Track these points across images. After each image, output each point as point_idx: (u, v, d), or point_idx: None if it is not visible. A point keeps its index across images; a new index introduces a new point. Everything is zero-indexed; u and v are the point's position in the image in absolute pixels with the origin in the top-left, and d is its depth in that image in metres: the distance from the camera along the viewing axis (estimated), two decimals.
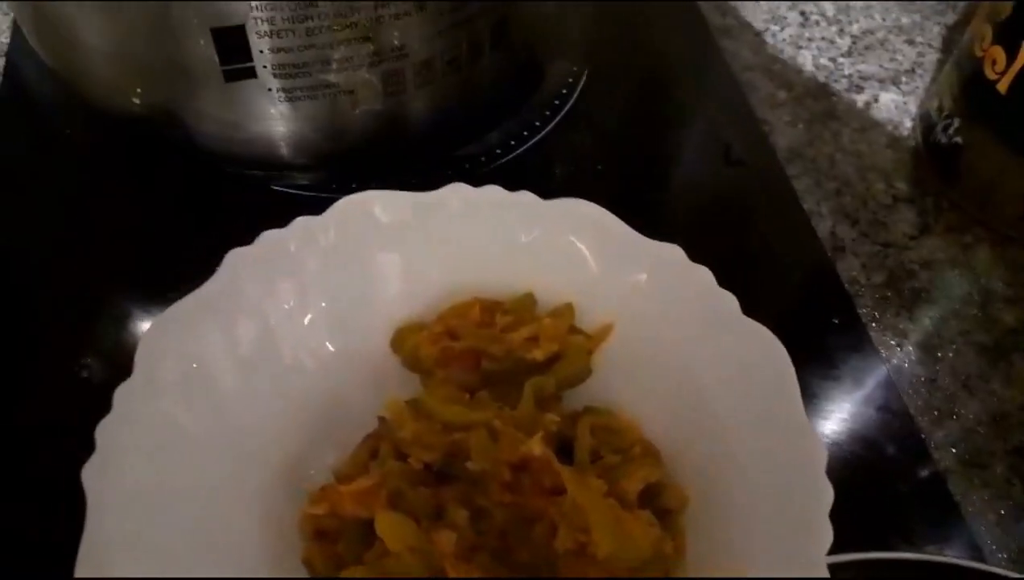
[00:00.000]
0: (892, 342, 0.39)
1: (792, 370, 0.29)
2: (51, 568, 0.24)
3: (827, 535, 0.26)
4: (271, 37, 0.32)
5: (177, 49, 0.32)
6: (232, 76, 0.33)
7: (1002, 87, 0.39)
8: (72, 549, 0.24)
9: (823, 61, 0.51)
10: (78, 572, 0.24)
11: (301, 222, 0.31)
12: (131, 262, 0.39)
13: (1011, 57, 0.39)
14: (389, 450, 0.30)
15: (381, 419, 0.31)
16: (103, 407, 0.26)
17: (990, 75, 0.40)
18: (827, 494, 0.26)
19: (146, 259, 0.38)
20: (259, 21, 0.32)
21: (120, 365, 0.28)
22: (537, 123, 0.45)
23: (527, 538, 0.28)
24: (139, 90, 0.34)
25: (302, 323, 0.31)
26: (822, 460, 0.27)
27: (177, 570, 0.26)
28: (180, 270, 0.31)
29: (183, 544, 0.26)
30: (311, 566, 0.29)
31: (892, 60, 0.51)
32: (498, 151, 0.43)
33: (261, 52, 0.32)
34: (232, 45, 0.32)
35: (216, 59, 0.32)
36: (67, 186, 0.41)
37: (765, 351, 0.29)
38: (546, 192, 0.33)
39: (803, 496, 0.27)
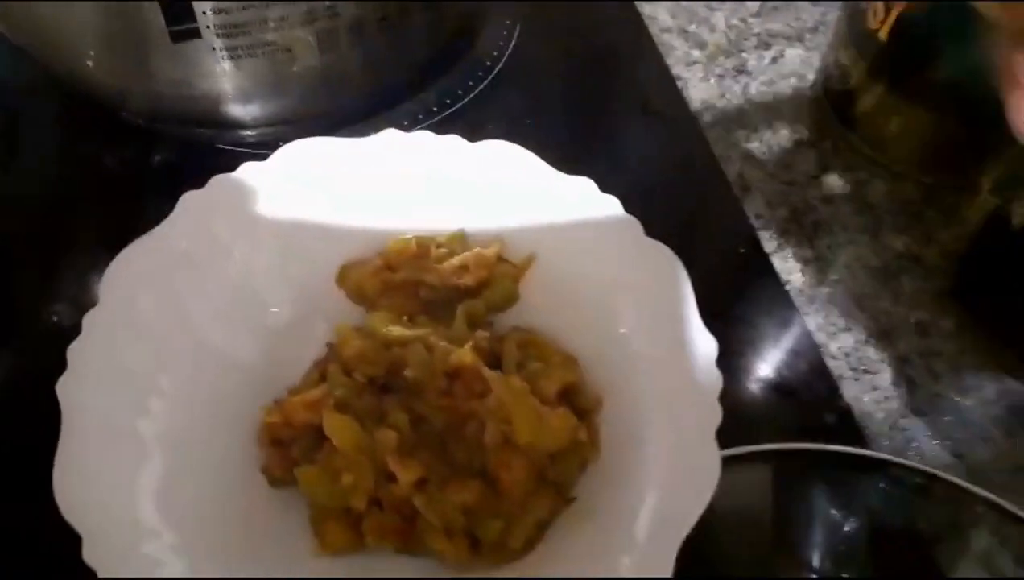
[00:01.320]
0: (795, 268, 0.43)
1: (686, 279, 0.32)
2: (34, 472, 0.27)
3: (717, 417, 0.30)
4: None
5: (127, 13, 0.35)
6: (178, 37, 0.36)
7: (882, 35, 0.44)
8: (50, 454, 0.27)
9: (734, 21, 0.55)
10: (56, 473, 0.27)
11: (248, 166, 0.35)
12: (90, 220, 0.41)
13: (887, 7, 0.43)
14: (337, 369, 0.34)
15: (329, 345, 0.35)
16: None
17: (872, 24, 0.44)
18: (717, 381, 0.30)
19: (104, 216, 0.41)
20: None
21: (87, 307, 0.31)
22: (471, 82, 0.48)
23: (461, 436, 0.31)
24: (92, 53, 0.37)
25: (254, 257, 0.35)
26: (713, 354, 0.31)
27: (147, 470, 0.29)
28: (137, 223, 0.34)
29: (155, 448, 0.29)
30: (269, 473, 0.32)
31: (797, 19, 0.55)
32: (434, 108, 0.46)
33: (204, 13, 0.35)
34: (177, 8, 0.35)
35: (163, 22, 0.35)
36: (28, 153, 0.44)
37: (663, 266, 0.33)
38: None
39: (696, 387, 0.31)
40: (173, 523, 0.29)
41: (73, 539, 0.26)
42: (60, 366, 0.29)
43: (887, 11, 0.43)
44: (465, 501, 0.30)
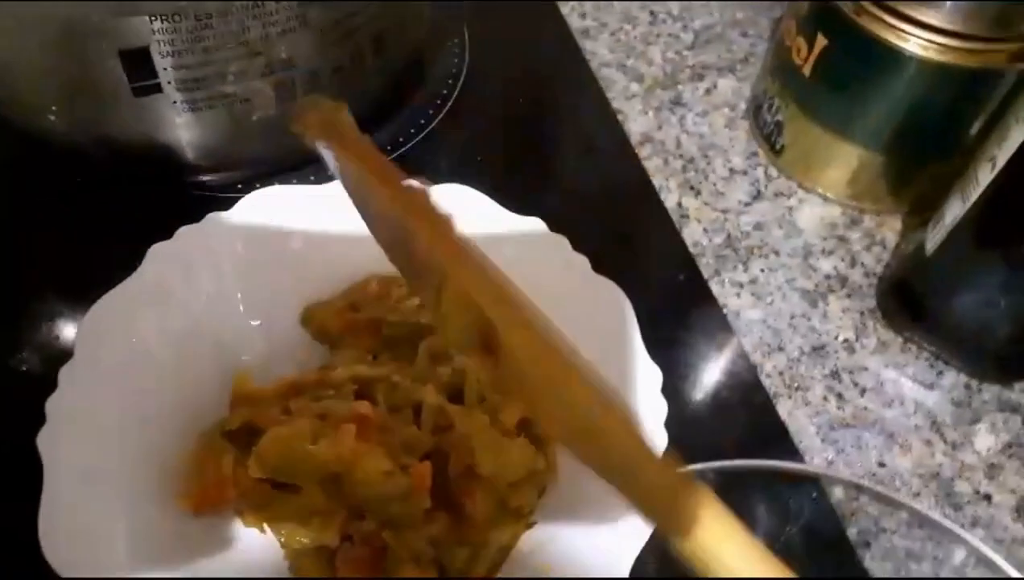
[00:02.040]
0: (731, 292, 0.46)
1: (632, 314, 0.35)
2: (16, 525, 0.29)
3: (662, 440, 0.32)
4: (173, 56, 0.36)
5: (88, 70, 0.36)
6: (140, 92, 0.37)
7: (806, 71, 0.47)
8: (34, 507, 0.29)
9: (670, 55, 0.58)
10: (41, 527, 0.28)
11: (213, 217, 0.36)
12: (58, 264, 0.42)
13: (810, 45, 0.46)
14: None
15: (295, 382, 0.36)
16: (47, 390, 0.31)
17: (797, 61, 0.47)
18: (662, 408, 0.33)
19: (71, 260, 0.42)
20: (161, 43, 0.36)
21: (56, 356, 0.32)
22: (421, 121, 0.50)
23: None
24: (54, 108, 0.38)
25: (222, 305, 0.36)
26: (657, 383, 0.33)
27: (126, 517, 0.30)
28: (104, 268, 0.35)
29: (132, 494, 0.31)
30: (241, 515, 0.33)
31: (728, 51, 0.58)
32: (388, 148, 0.48)
33: (165, 69, 0.37)
34: (138, 64, 0.36)
35: (125, 78, 0.36)
36: None
37: (610, 301, 0.36)
38: (434, 181, 0.39)
39: (644, 413, 0.33)
40: (149, 558, 0.30)
41: None
42: (31, 415, 0.30)
43: (810, 49, 0.46)
44: (433, 533, 0.32)
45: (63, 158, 0.44)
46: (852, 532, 0.39)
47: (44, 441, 0.30)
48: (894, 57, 0.43)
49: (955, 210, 0.40)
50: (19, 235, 0.43)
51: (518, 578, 0.32)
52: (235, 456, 0.32)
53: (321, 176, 0.45)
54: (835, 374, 0.44)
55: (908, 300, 0.45)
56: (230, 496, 0.32)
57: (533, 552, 0.34)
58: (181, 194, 0.44)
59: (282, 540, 0.32)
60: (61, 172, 0.44)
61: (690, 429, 0.41)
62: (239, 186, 0.43)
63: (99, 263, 0.38)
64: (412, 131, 0.49)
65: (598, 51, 0.57)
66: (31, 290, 0.41)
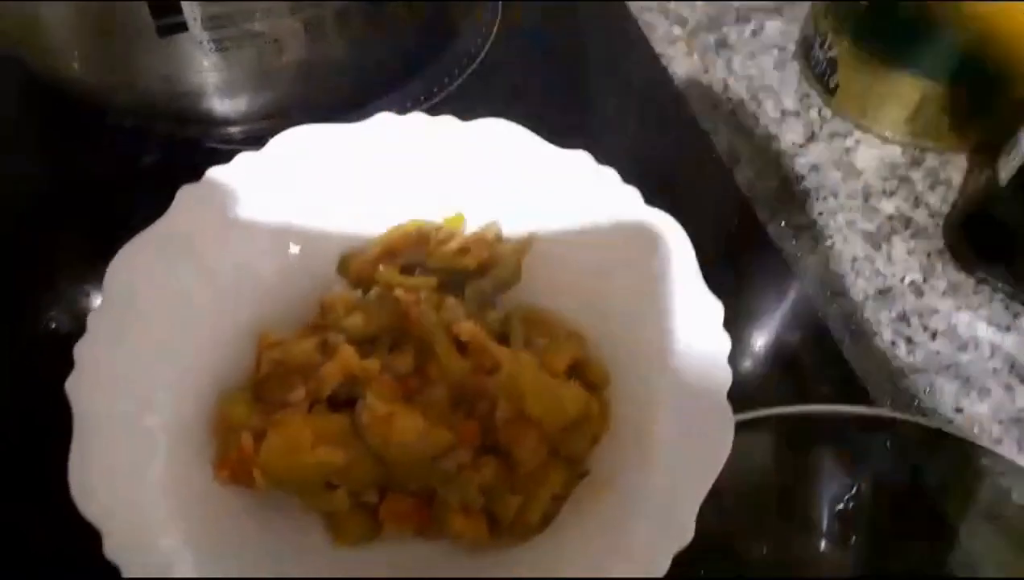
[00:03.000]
0: (788, 236, 0.44)
1: (688, 244, 0.33)
2: (41, 474, 0.27)
3: (727, 378, 0.30)
4: None
5: (111, 10, 0.35)
6: (165, 31, 0.35)
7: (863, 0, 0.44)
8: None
9: None
10: (72, 473, 0.27)
11: (244, 158, 0.34)
12: (82, 224, 0.41)
13: None
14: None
15: (323, 303, 0.34)
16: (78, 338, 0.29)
17: None
18: (725, 343, 0.30)
19: (95, 220, 0.41)
20: None
21: (85, 307, 0.30)
22: (457, 69, 0.48)
23: (472, 410, 0.31)
24: (76, 52, 0.37)
25: (254, 251, 0.34)
26: (719, 316, 0.31)
27: (156, 464, 0.29)
28: (129, 225, 0.34)
29: (163, 441, 0.29)
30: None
31: None
32: (423, 97, 0.46)
33: (191, 6, 0.35)
34: (163, 2, 0.35)
35: (149, 16, 0.35)
36: (14, 158, 0.43)
37: (665, 233, 0.33)
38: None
39: (704, 351, 0.31)
40: (182, 517, 0.28)
41: (82, 539, 0.26)
42: (62, 370, 0.29)
43: None
44: (483, 480, 0.30)
45: (88, 111, 0.43)
46: (931, 481, 0.36)
47: (73, 387, 0.28)
48: None
49: None
50: (44, 191, 0.42)
51: (530, 578, 0.30)
52: (254, 429, 0.30)
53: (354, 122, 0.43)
54: (903, 317, 0.41)
55: (980, 238, 0.42)
56: (254, 475, 0.30)
57: (587, 502, 0.31)
58: (207, 146, 0.43)
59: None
60: (86, 125, 0.43)
61: (753, 377, 0.39)
62: (267, 137, 0.41)
63: (125, 217, 0.36)
64: (446, 80, 0.47)
65: None
66: (57, 247, 0.39)
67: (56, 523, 0.26)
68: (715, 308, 0.31)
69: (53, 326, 0.37)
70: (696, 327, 0.31)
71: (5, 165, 0.43)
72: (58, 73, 0.39)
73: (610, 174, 0.35)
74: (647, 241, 0.34)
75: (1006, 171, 0.39)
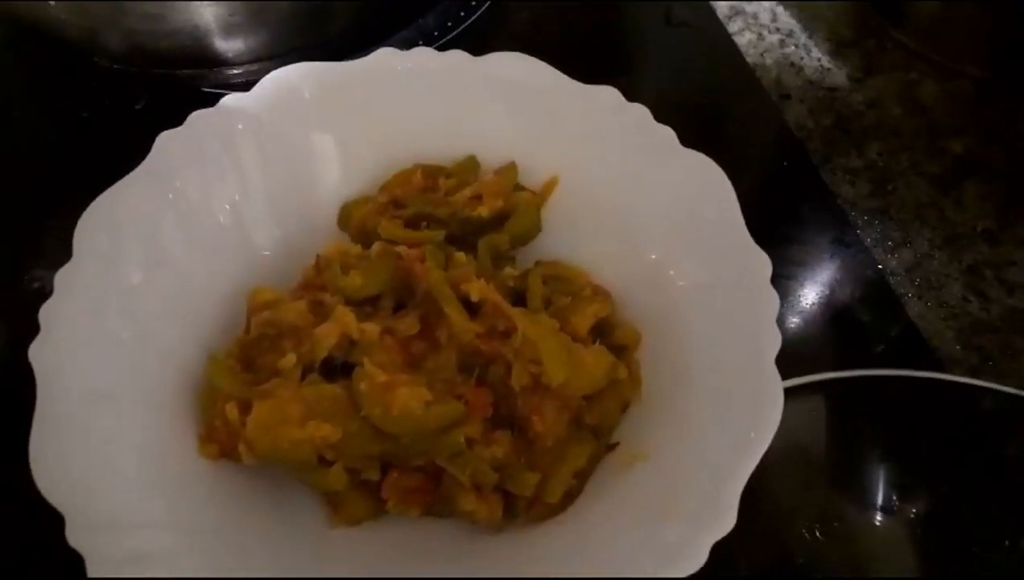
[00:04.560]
0: (844, 180, 0.39)
1: (731, 191, 0.29)
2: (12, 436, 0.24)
3: (775, 341, 0.26)
4: None
5: None
6: None
7: None
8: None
9: None
10: (33, 449, 0.24)
11: (230, 100, 0.31)
12: (68, 176, 0.38)
13: None
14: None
15: (318, 256, 0.31)
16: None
17: None
18: (771, 302, 0.26)
19: (82, 171, 0.37)
20: None
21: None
22: (473, 2, 0.44)
23: (483, 377, 0.28)
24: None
25: (242, 202, 0.31)
26: (766, 271, 0.27)
27: (129, 438, 0.26)
28: (118, 171, 0.31)
29: (137, 413, 0.26)
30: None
31: None
32: (435, 33, 0.42)
33: None
34: None
35: None
36: None
37: (704, 177, 0.29)
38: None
39: (749, 309, 0.27)
40: (161, 496, 0.25)
41: (53, 518, 0.23)
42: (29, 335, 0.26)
43: None
44: (496, 455, 0.26)
45: (72, 55, 0.39)
46: (1010, 452, 0.32)
47: (37, 354, 0.25)
48: None
49: None
50: (28, 141, 0.39)
51: (543, 578, 0.26)
52: (240, 400, 0.27)
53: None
54: (974, 269, 0.37)
55: None
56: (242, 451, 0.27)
57: (614, 479, 0.28)
58: (200, 91, 0.39)
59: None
60: (70, 71, 0.40)
61: (802, 337, 0.34)
62: None
63: (113, 168, 0.33)
64: (462, 13, 0.43)
65: None
66: (42, 201, 0.37)
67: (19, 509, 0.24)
68: (762, 262, 0.27)
69: (36, 286, 0.34)
70: (740, 283, 0.27)
71: None
72: (40, 16, 0.35)
73: (641, 112, 0.31)
74: (683, 186, 0.30)
75: None
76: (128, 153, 0.33)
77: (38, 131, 0.40)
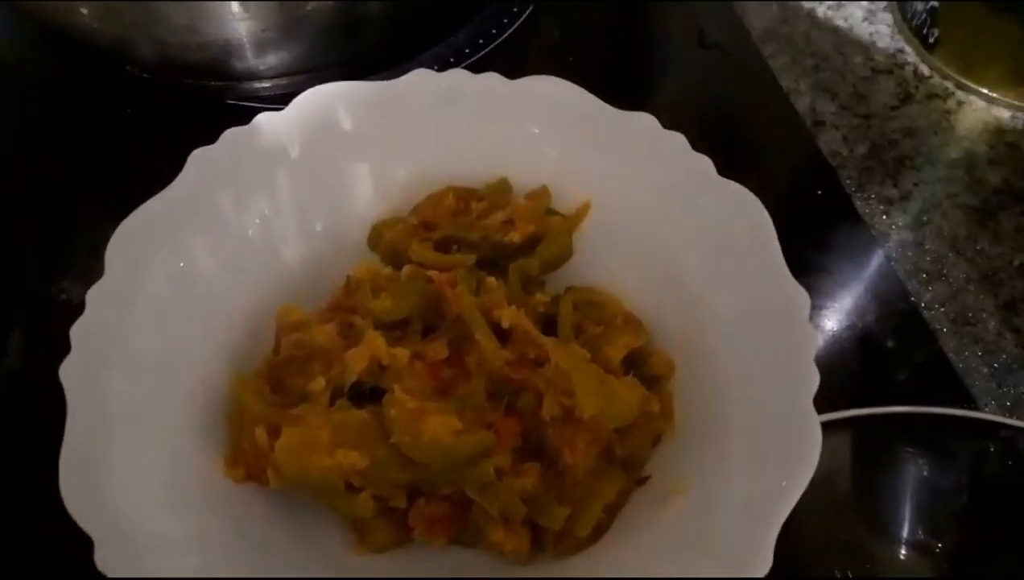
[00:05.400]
0: (878, 209, 0.39)
1: (770, 223, 0.28)
2: (41, 457, 0.24)
3: (814, 379, 0.25)
4: None
5: None
6: None
7: None
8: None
9: None
10: (63, 471, 0.24)
11: (263, 119, 0.31)
12: (95, 186, 0.38)
13: None
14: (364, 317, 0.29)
15: (349, 277, 0.31)
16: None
17: None
18: (810, 340, 0.26)
19: (109, 181, 0.38)
20: None
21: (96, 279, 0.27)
22: (505, 19, 0.44)
23: (514, 408, 0.28)
24: (86, 1, 0.33)
25: (274, 221, 0.31)
26: (805, 307, 0.26)
27: (158, 459, 0.26)
28: (146, 184, 0.30)
29: (165, 434, 0.26)
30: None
31: None
32: (466, 50, 0.42)
33: None
34: None
35: None
36: (27, 115, 0.40)
37: (742, 209, 0.29)
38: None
39: (787, 346, 0.26)
40: (188, 519, 0.25)
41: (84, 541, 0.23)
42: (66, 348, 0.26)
43: None
44: (525, 487, 0.26)
45: (103, 64, 0.40)
46: None
47: (68, 373, 0.25)
48: None
49: None
50: (57, 149, 0.39)
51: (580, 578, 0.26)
52: (268, 424, 0.26)
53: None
54: (1011, 306, 0.36)
55: None
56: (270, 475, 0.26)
57: (645, 513, 0.27)
58: (231, 104, 0.39)
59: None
60: (101, 79, 0.40)
61: (834, 369, 0.34)
62: (295, 95, 0.38)
63: (142, 178, 0.33)
64: (494, 31, 0.43)
65: None
66: (70, 210, 0.37)
67: (49, 529, 0.24)
68: (801, 297, 0.27)
69: (63, 298, 0.34)
70: (777, 318, 0.27)
71: (19, 121, 0.40)
72: (67, 22, 0.35)
73: (678, 140, 0.30)
74: (720, 217, 0.29)
75: None
76: (155, 162, 0.33)
77: (66, 138, 0.40)
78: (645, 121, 0.31)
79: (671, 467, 0.28)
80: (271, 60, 0.37)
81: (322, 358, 0.28)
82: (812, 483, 0.26)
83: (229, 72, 0.37)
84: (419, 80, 0.32)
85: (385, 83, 0.32)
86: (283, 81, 0.39)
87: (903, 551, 0.32)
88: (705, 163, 0.30)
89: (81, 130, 0.40)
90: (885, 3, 0.46)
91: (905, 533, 0.32)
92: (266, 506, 0.27)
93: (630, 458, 0.28)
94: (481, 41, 0.43)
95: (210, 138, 0.30)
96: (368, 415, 0.27)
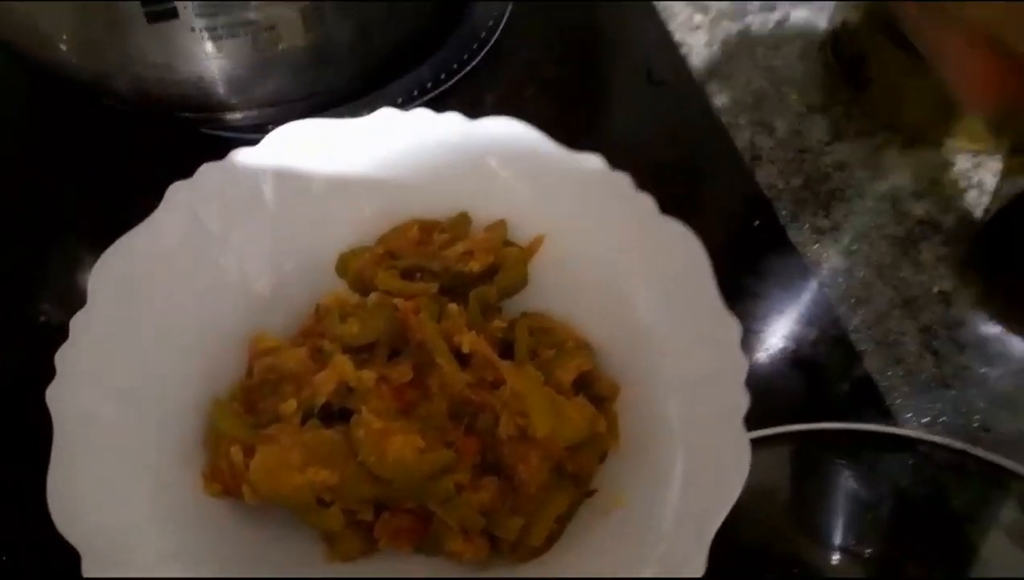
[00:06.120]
0: (811, 239, 0.42)
1: (706, 258, 0.31)
2: (27, 477, 0.26)
3: (744, 402, 0.28)
4: None
5: None
6: (154, 17, 0.34)
7: None
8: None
9: None
10: (51, 488, 0.26)
11: (239, 152, 0.33)
12: (74, 212, 0.40)
13: None
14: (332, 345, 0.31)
15: (319, 306, 0.33)
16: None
17: None
18: (741, 366, 0.29)
19: (88, 208, 0.39)
20: None
21: (76, 305, 0.29)
22: (466, 55, 0.46)
23: (473, 426, 0.30)
24: (65, 37, 0.35)
25: (248, 251, 0.33)
26: (736, 337, 0.29)
27: (142, 475, 0.27)
28: (122, 213, 0.32)
29: (149, 452, 0.28)
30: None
31: None
32: (429, 84, 0.44)
33: None
34: None
35: (138, 1, 0.33)
36: (3, 144, 0.42)
37: (680, 245, 0.31)
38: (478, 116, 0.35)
39: (720, 371, 0.29)
40: (170, 532, 0.27)
41: (70, 553, 0.24)
42: (49, 370, 0.27)
43: None
44: (483, 501, 0.28)
45: (81, 95, 0.41)
46: (957, 503, 0.35)
47: (54, 397, 0.27)
48: None
49: None
50: (35, 178, 0.41)
51: (548, 578, 0.28)
52: (245, 442, 0.29)
53: (356, 112, 0.41)
54: (930, 329, 0.39)
55: (1011, 247, 0.40)
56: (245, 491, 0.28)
57: (592, 523, 0.30)
58: (205, 134, 0.41)
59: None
60: (78, 110, 0.42)
61: (768, 387, 0.37)
62: (267, 125, 0.40)
63: (119, 205, 0.35)
64: (455, 66, 0.45)
65: None
66: (49, 236, 0.38)
67: (37, 543, 0.25)
68: (732, 327, 0.29)
69: (43, 320, 0.36)
70: (712, 346, 0.30)
71: None
72: (45, 57, 0.37)
73: (623, 180, 0.33)
74: (661, 252, 0.32)
75: None
76: (131, 191, 0.35)
77: (43, 166, 0.41)
78: (593, 162, 0.34)
79: (615, 481, 0.30)
80: (243, 94, 0.39)
81: (293, 381, 0.30)
82: (749, 493, 0.28)
83: (204, 105, 0.39)
84: (385, 118, 0.34)
85: (354, 121, 0.34)
86: (254, 112, 0.41)
87: (835, 557, 0.35)
88: (648, 201, 0.32)
89: (58, 159, 0.41)
90: (820, 45, 0.50)
91: (836, 540, 0.35)
92: (243, 518, 0.29)
93: (579, 473, 0.30)
94: (443, 76, 0.45)
95: (184, 166, 0.32)
96: (337, 435, 0.29)
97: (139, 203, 0.31)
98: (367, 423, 0.28)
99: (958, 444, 0.35)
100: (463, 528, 0.29)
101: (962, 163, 0.45)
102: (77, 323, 0.28)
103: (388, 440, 0.28)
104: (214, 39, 0.35)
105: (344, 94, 0.42)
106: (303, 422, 0.29)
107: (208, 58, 0.36)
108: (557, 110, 0.45)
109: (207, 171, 0.32)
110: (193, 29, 0.34)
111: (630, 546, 0.28)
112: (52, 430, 0.26)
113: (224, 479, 0.29)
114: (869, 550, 0.35)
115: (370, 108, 0.37)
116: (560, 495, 0.30)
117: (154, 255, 0.30)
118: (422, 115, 0.35)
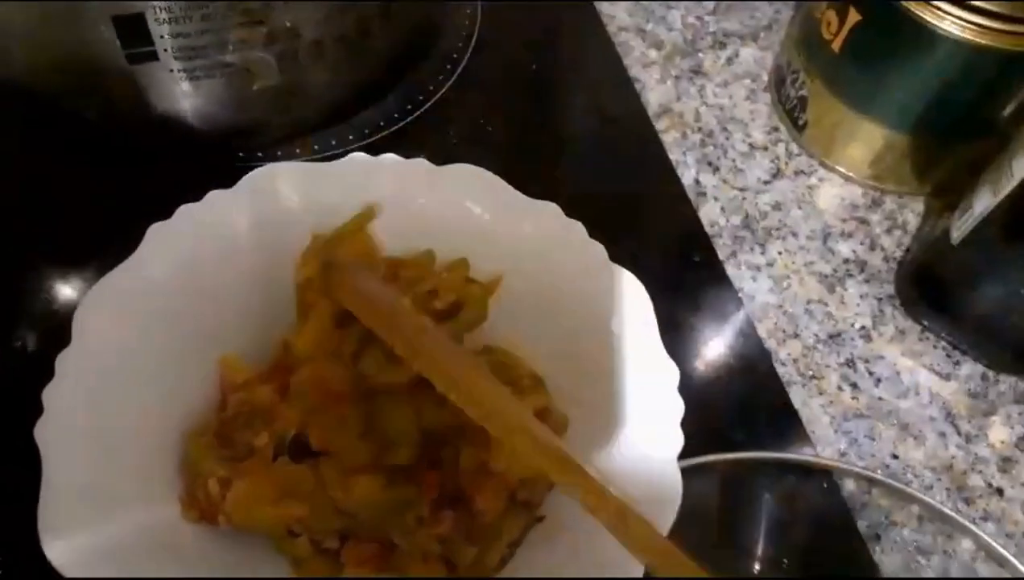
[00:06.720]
0: (746, 275, 0.45)
1: (650, 306, 0.34)
2: (13, 519, 0.28)
3: (678, 441, 0.31)
4: (170, 23, 0.34)
5: (82, 36, 0.34)
6: (135, 59, 0.35)
7: (835, 46, 0.45)
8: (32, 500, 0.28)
9: (691, 20, 0.55)
10: (41, 521, 0.28)
11: (214, 196, 0.34)
12: (53, 237, 0.41)
13: (841, 20, 0.44)
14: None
15: (286, 340, 0.35)
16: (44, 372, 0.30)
17: (826, 35, 0.45)
18: (678, 408, 0.32)
19: (69, 234, 0.41)
20: (158, 9, 0.34)
21: (54, 335, 0.31)
22: (431, 87, 0.48)
23: (436, 461, 0.33)
24: (47, 72, 0.36)
25: (226, 290, 0.35)
26: (674, 380, 0.32)
27: (124, 513, 0.29)
28: (102, 243, 0.34)
29: (132, 489, 0.30)
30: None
31: (752, 17, 0.56)
32: (395, 115, 0.46)
33: (162, 37, 0.35)
34: (133, 31, 0.34)
35: (118, 44, 0.34)
36: None
37: (628, 292, 0.34)
38: (443, 151, 0.38)
39: (658, 412, 0.32)
40: (154, 556, 0.29)
41: None
42: (29, 401, 0.29)
43: (841, 23, 0.44)
44: (441, 532, 0.31)
45: (58, 126, 0.42)
46: (862, 525, 0.39)
47: (42, 434, 0.29)
48: (928, 36, 0.40)
49: (985, 201, 0.39)
50: (18, 206, 0.42)
51: (524, 578, 0.31)
52: (221, 476, 0.31)
53: (326, 147, 0.43)
54: (850, 363, 0.43)
55: (929, 288, 0.44)
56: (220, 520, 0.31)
57: (541, 546, 0.33)
58: (185, 165, 0.42)
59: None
60: (58, 140, 0.43)
61: (701, 417, 0.40)
62: (240, 155, 0.42)
63: (97, 236, 0.37)
64: (421, 98, 0.47)
65: (616, 14, 0.55)
66: (30, 264, 0.39)
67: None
68: (671, 372, 0.32)
69: (18, 345, 0.37)
70: (652, 388, 0.33)
71: None
72: (29, 89, 0.38)
73: (578, 228, 0.36)
74: (609, 297, 0.35)
75: (958, 231, 0.40)
76: (105, 219, 0.37)
77: (16, 186, 0.42)
78: (550, 209, 0.36)
79: (562, 508, 0.33)
80: (216, 129, 0.40)
81: (263, 415, 0.33)
82: (685, 515, 0.32)
83: (179, 139, 0.40)
84: (355, 162, 0.37)
85: (326, 164, 0.36)
86: (230, 145, 0.42)
87: (756, 565, 0.39)
88: (599, 250, 0.35)
89: (36, 194, 0.42)
90: (764, 86, 0.53)
91: (758, 552, 0.39)
92: (221, 542, 0.31)
93: (530, 501, 0.33)
94: (409, 107, 0.47)
95: (167, 200, 0.34)
96: (307, 469, 0.31)
97: (119, 231, 0.33)
98: (334, 464, 0.31)
99: (865, 471, 0.39)
100: (423, 555, 0.31)
101: (888, 204, 0.48)
102: (62, 362, 0.30)
103: (354, 478, 0.30)
104: (192, 80, 0.36)
105: (314, 124, 0.44)
106: (275, 455, 0.32)
107: (185, 97, 0.37)
108: (516, 144, 0.47)
109: (185, 212, 0.34)
110: (172, 71, 0.36)
111: (574, 567, 0.31)
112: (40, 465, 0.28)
113: (201, 507, 0.31)
114: (786, 560, 0.39)
115: (339, 137, 0.39)
116: (513, 522, 0.33)
117: (136, 294, 0.32)
118: (390, 159, 0.37)
